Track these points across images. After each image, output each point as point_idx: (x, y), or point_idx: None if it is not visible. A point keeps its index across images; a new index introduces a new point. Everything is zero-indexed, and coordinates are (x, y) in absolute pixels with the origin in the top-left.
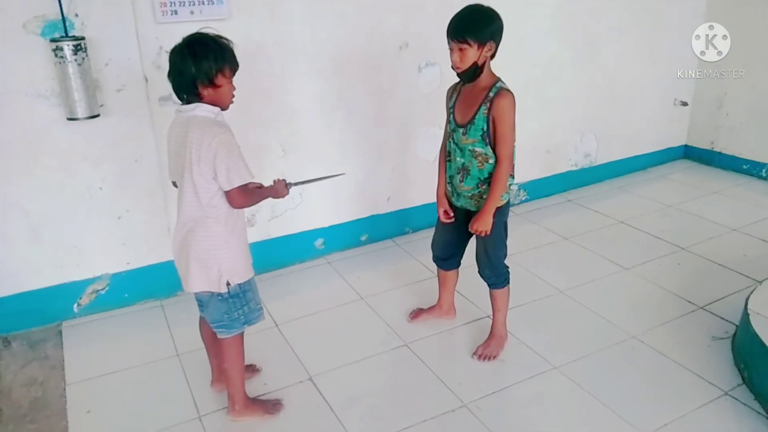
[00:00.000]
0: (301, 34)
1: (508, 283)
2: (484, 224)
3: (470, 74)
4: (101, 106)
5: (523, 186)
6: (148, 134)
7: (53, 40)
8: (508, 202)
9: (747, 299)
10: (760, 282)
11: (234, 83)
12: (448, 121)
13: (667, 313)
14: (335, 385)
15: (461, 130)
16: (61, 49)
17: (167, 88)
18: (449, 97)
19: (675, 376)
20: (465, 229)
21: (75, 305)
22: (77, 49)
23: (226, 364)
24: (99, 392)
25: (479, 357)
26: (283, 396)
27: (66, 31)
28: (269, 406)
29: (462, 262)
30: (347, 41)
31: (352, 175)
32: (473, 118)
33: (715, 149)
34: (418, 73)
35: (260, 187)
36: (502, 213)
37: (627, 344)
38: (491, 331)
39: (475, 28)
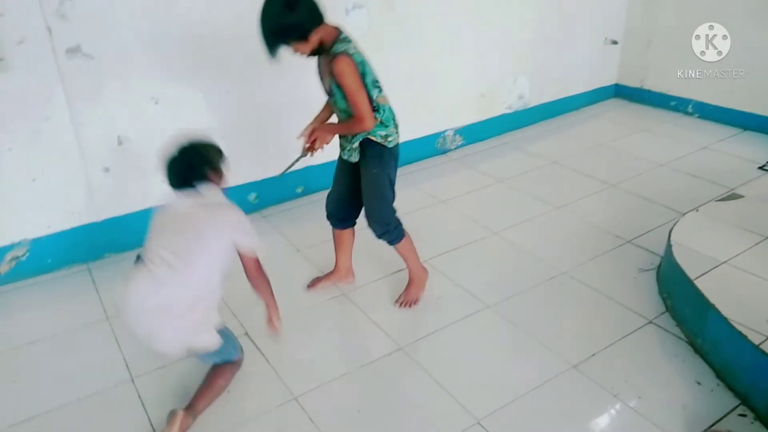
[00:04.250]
0: None
1: (403, 235)
2: (319, 133)
3: (315, 54)
4: (0, 60)
5: (458, 131)
6: (58, 89)
7: None
8: (392, 156)
9: (670, 231)
10: (683, 214)
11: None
12: (321, 83)
13: (597, 248)
14: (271, 338)
15: (331, 99)
16: None
17: (74, 38)
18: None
19: (603, 308)
20: (355, 183)
21: None
22: None
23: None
24: (24, 361)
25: (401, 305)
26: None
27: None
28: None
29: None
30: None
31: (282, 125)
32: (331, 88)
33: (644, 87)
34: (346, 16)
35: None
36: (382, 164)
37: (557, 280)
38: (409, 278)
39: (285, 36)
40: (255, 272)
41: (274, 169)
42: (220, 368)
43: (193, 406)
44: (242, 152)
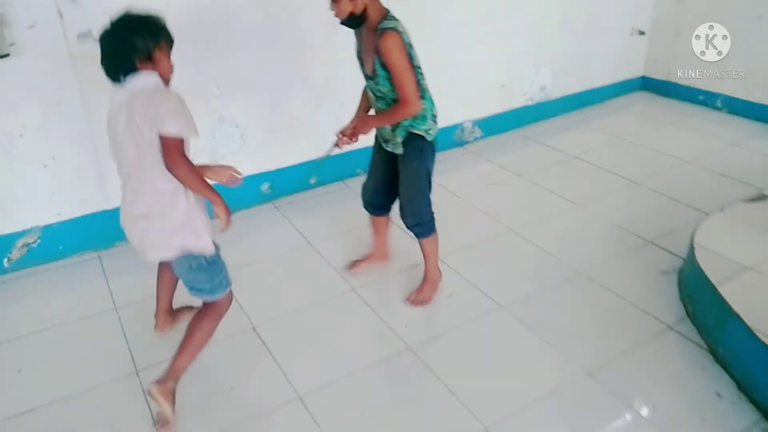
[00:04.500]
0: None
1: (434, 231)
2: (359, 123)
3: (351, 23)
4: (11, 45)
5: (477, 123)
6: (69, 74)
7: None
8: (432, 148)
9: (694, 233)
10: (708, 215)
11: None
12: (361, 66)
13: (616, 249)
14: (279, 333)
15: (370, 83)
16: None
17: (85, 23)
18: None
19: (621, 312)
20: (393, 173)
21: (5, 260)
22: None
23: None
24: (30, 350)
25: (411, 303)
26: (227, 345)
27: None
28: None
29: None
30: None
31: (296, 116)
32: (374, 69)
33: (671, 80)
34: None
35: None
36: (422, 158)
37: (574, 281)
38: (424, 277)
39: None
40: (174, 157)
41: (287, 159)
42: (199, 318)
43: (171, 369)
44: (255, 142)
